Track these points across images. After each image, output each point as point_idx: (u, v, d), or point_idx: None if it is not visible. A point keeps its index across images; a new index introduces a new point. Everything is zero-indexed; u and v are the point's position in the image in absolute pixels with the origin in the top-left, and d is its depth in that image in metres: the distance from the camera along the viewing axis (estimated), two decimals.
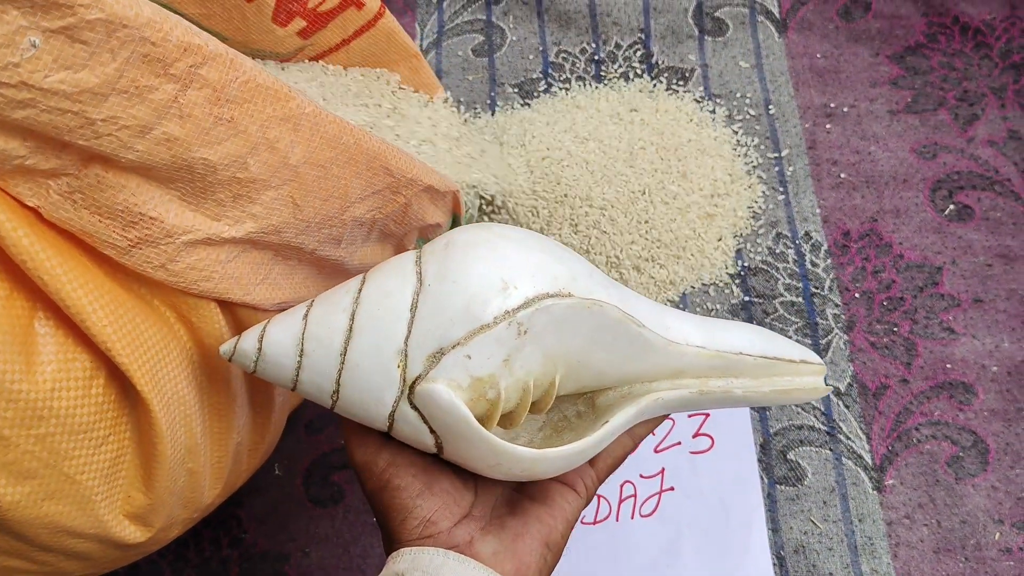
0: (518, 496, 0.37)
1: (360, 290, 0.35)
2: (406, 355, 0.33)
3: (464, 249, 0.34)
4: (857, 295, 0.60)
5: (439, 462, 0.36)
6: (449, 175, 0.51)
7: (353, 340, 0.34)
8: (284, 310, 0.40)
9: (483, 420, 0.34)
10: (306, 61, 0.55)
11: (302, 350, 0.35)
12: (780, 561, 0.52)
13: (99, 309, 0.33)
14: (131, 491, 0.38)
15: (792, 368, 0.38)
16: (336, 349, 0.34)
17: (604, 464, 0.38)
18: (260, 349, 0.35)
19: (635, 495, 0.54)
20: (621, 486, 0.55)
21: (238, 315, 0.40)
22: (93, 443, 0.35)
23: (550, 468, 0.35)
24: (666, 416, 0.39)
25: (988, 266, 0.61)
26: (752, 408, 0.56)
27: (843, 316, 0.60)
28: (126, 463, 0.37)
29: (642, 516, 0.54)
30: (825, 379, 0.39)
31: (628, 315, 0.35)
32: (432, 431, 0.34)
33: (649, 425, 0.39)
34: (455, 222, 0.52)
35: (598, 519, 0.54)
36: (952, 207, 0.63)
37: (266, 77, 0.34)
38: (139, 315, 0.35)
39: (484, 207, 0.61)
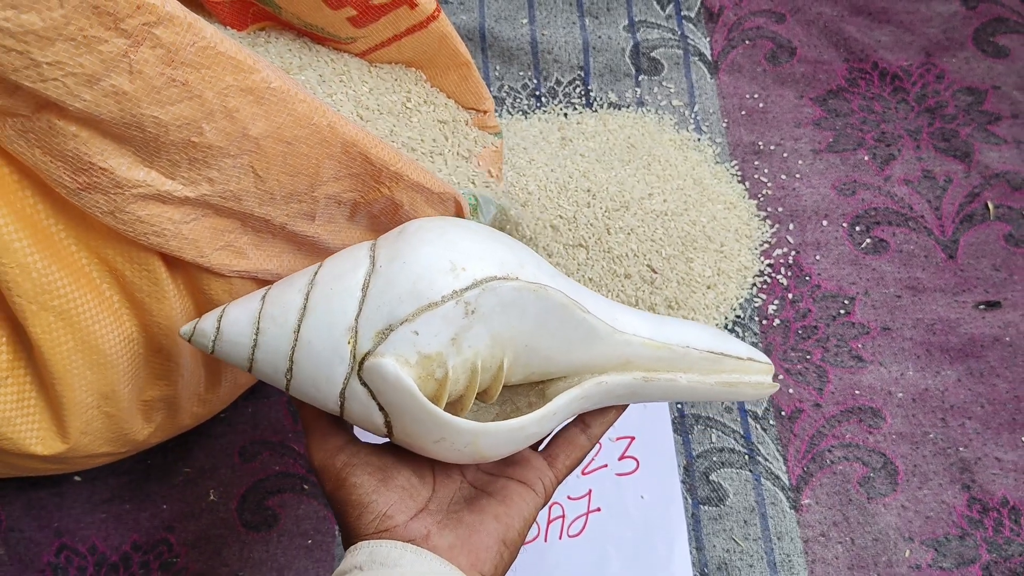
0: (476, 493, 0.38)
1: (316, 272, 0.36)
2: (356, 332, 0.34)
3: (415, 234, 0.36)
4: (776, 323, 0.63)
5: (396, 458, 0.37)
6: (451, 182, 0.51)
7: (306, 318, 0.35)
8: (251, 278, 0.41)
9: (432, 401, 0.35)
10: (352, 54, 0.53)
11: (258, 328, 0.35)
12: None
13: (14, 244, 0.34)
14: (43, 430, 0.39)
15: (739, 365, 0.39)
16: (290, 327, 0.35)
17: (563, 465, 0.39)
18: (219, 328, 0.36)
19: (563, 516, 0.56)
20: (550, 507, 0.56)
21: (191, 274, 0.41)
22: None
23: (493, 443, 0.35)
24: (620, 410, 0.40)
25: (898, 297, 0.64)
26: (676, 432, 0.59)
27: (760, 344, 0.62)
28: (33, 403, 0.38)
29: (570, 536, 0.55)
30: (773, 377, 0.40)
31: (574, 300, 0.36)
32: (381, 408, 0.35)
33: (605, 423, 0.40)
34: None
35: (527, 540, 0.55)
36: (869, 241, 0.67)
37: (229, 46, 0.34)
38: (56, 263, 0.36)
39: (500, 217, 0.58)
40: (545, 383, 0.39)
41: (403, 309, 0.34)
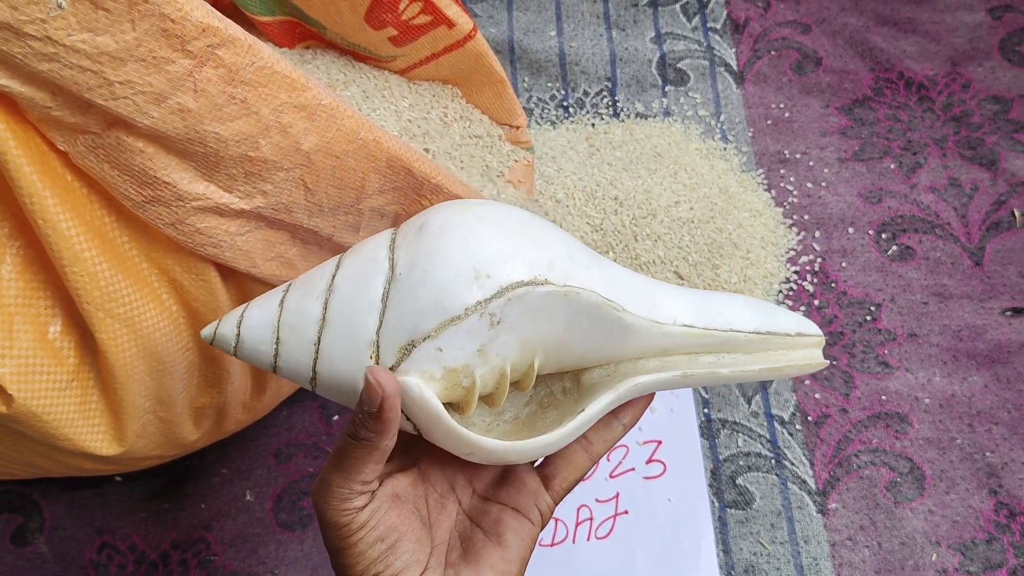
0: (471, 530, 0.37)
1: (334, 276, 0.35)
2: (378, 346, 0.33)
3: (437, 235, 0.34)
4: None
5: (411, 510, 0.36)
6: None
7: (326, 330, 0.34)
8: None
9: (461, 405, 0.35)
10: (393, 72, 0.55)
11: (278, 338, 0.35)
12: None
13: (84, 254, 0.36)
14: (102, 433, 0.41)
15: (787, 342, 0.37)
16: (310, 339, 0.34)
17: (560, 487, 0.38)
18: (239, 335, 0.35)
19: (591, 518, 0.57)
20: (578, 509, 0.57)
21: (243, 285, 0.42)
22: (57, 386, 0.38)
23: (523, 458, 0.36)
24: (628, 428, 0.39)
25: (924, 303, 0.65)
26: (702, 436, 0.59)
27: None
28: (94, 406, 0.40)
29: (598, 538, 0.56)
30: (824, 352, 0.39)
31: (607, 300, 0.35)
32: (408, 419, 0.35)
33: (608, 441, 0.39)
34: None
35: (556, 541, 0.56)
36: (895, 248, 0.67)
37: (284, 65, 0.36)
38: (121, 272, 0.38)
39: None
40: (580, 369, 0.38)
41: (425, 324, 0.33)
